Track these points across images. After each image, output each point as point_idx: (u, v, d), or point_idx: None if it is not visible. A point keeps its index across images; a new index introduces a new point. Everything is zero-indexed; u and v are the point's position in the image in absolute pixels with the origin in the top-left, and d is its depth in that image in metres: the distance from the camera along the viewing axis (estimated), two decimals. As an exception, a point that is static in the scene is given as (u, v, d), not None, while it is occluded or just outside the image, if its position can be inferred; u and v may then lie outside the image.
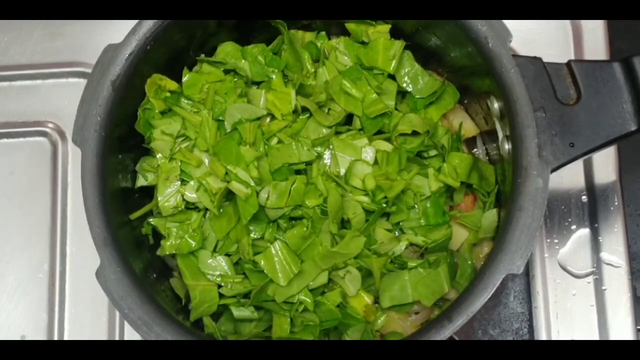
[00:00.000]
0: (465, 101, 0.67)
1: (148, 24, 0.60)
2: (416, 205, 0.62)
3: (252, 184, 0.60)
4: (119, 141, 0.61)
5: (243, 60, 0.65)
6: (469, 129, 0.67)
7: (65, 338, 0.72)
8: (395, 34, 0.65)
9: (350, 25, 0.65)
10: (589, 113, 0.56)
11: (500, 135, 0.60)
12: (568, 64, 0.57)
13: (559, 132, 0.55)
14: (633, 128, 0.56)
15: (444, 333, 0.53)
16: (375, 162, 0.61)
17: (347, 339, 0.61)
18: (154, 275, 0.64)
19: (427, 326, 0.55)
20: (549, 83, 0.56)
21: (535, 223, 0.54)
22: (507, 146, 0.58)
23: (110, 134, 0.59)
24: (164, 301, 0.62)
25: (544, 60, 0.57)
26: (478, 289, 0.53)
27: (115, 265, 0.56)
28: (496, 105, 0.59)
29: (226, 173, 0.61)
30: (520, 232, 0.53)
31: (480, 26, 0.57)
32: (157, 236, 0.65)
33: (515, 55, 0.57)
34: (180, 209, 0.62)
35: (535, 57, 0.57)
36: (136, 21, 0.60)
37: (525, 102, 0.55)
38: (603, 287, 0.70)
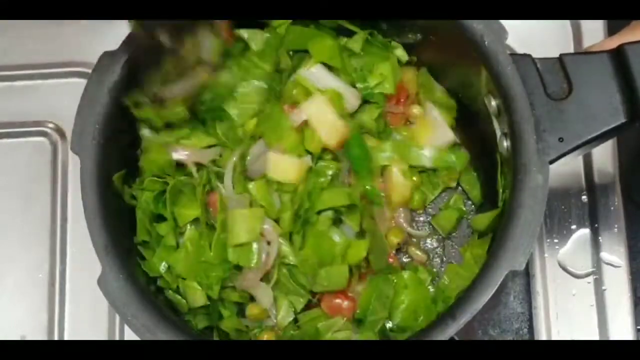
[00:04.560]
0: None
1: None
2: None
3: None
4: (118, 149, 0.61)
5: None
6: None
7: (66, 338, 0.72)
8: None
9: None
10: (579, 106, 0.55)
11: (499, 133, 0.60)
12: (560, 58, 0.57)
13: (547, 128, 0.55)
14: (623, 120, 0.55)
15: (448, 332, 0.53)
16: None
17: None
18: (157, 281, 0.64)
19: (429, 326, 0.55)
20: (539, 79, 0.56)
21: (536, 219, 0.53)
22: (505, 144, 0.58)
23: (109, 142, 0.59)
24: (166, 304, 0.62)
25: (544, 60, 0.57)
26: (481, 286, 0.53)
27: (117, 273, 0.56)
28: (493, 103, 0.59)
29: None
30: (521, 229, 0.53)
31: (476, 25, 0.57)
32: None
33: (504, 53, 0.57)
34: None
35: (524, 54, 0.57)
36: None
37: (523, 99, 0.55)
38: (603, 287, 0.70)
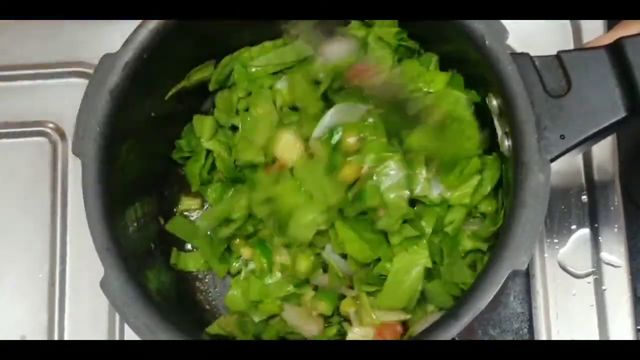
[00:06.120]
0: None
1: (144, 33, 0.60)
2: None
3: None
4: (120, 150, 0.61)
5: None
6: None
7: (66, 338, 0.72)
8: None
9: None
10: (579, 103, 0.55)
11: (500, 132, 0.60)
12: (558, 56, 0.57)
13: (548, 126, 0.55)
14: (623, 114, 0.55)
15: (451, 332, 0.53)
16: None
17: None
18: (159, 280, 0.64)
19: (431, 326, 0.55)
20: (537, 77, 0.56)
21: (538, 218, 0.53)
22: (506, 143, 0.58)
23: (111, 144, 0.59)
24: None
25: (543, 60, 0.57)
26: (483, 286, 0.53)
27: (118, 273, 0.56)
28: (495, 102, 0.59)
29: None
30: (523, 228, 0.53)
31: (477, 25, 0.57)
32: (160, 241, 0.65)
33: (501, 53, 0.57)
34: None
35: (522, 53, 0.57)
36: (136, 22, 0.60)
37: (523, 98, 0.55)
38: (603, 287, 0.70)
